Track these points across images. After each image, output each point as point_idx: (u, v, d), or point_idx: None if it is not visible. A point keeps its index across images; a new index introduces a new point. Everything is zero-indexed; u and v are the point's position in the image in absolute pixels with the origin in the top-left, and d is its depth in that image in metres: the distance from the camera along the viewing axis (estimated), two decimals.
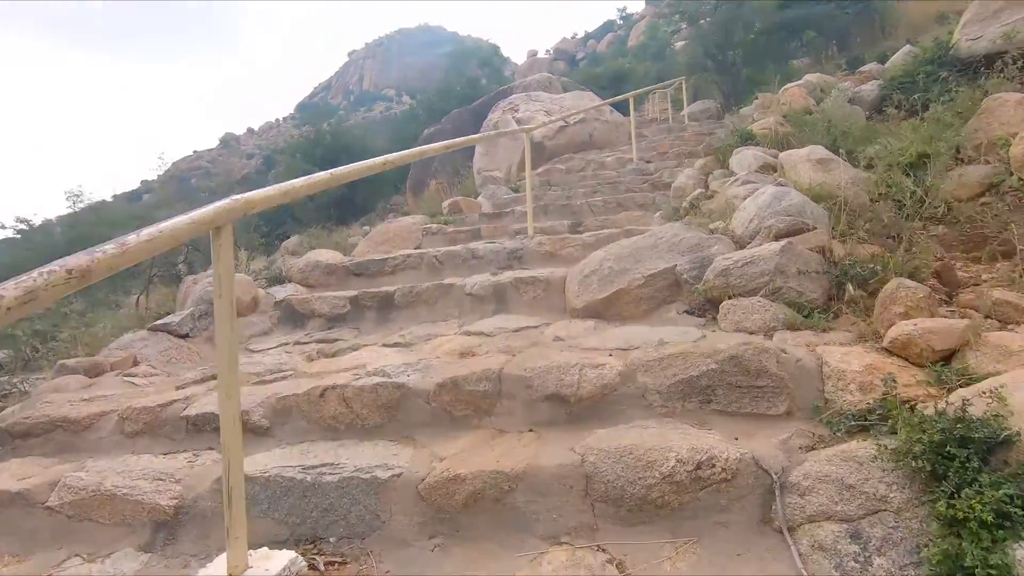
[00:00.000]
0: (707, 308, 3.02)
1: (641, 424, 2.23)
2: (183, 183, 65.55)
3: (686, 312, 3.10)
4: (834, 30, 13.86)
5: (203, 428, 2.70)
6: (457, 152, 15.66)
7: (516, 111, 10.58)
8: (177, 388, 3.25)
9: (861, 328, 2.46)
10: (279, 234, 18.62)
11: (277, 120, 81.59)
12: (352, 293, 4.43)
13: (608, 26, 54.29)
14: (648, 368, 2.36)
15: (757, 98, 12.83)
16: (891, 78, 6.70)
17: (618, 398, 2.34)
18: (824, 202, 3.47)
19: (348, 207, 22.51)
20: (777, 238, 3.07)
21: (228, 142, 76.28)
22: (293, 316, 4.58)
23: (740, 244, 3.37)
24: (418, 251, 5.28)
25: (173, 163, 73.19)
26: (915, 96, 6.20)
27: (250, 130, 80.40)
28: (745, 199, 3.69)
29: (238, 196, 1.80)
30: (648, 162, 8.10)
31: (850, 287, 2.68)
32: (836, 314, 2.68)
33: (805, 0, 14.16)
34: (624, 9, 52.34)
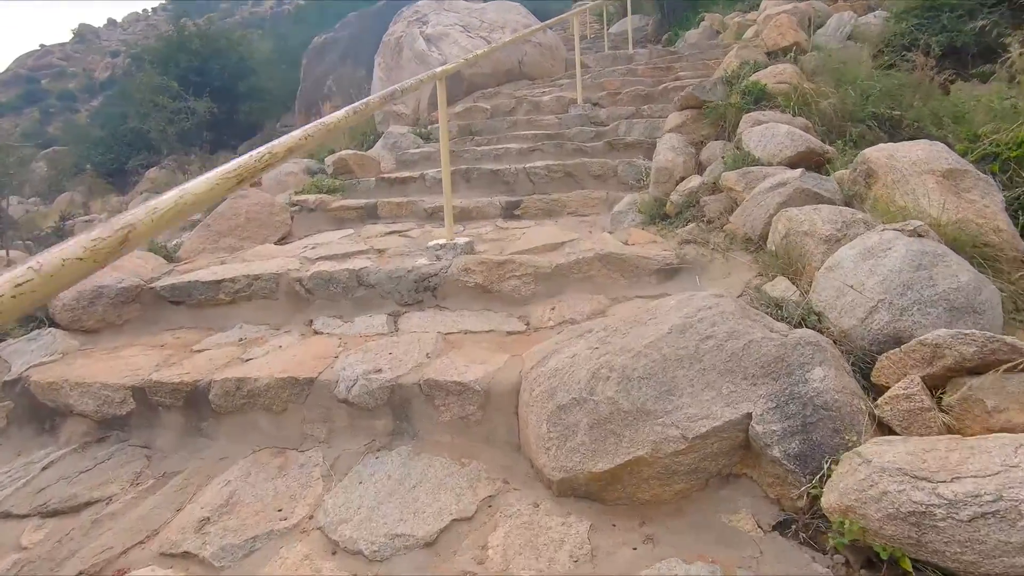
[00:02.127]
0: (821, 529, 1.45)
1: None
2: (30, 84, 54.53)
3: (775, 527, 1.51)
4: None
5: None
6: (354, 67, 12.82)
7: (425, 24, 8.12)
8: None
9: None
10: (139, 165, 15.05)
11: (145, 12, 69.02)
12: (139, 380, 2.45)
13: None
14: None
15: (703, 19, 11.08)
16: (904, 10, 5.15)
17: None
18: (976, 260, 1.92)
19: (226, 128, 18.74)
20: (953, 372, 1.50)
21: (85, 36, 63.86)
22: (35, 415, 2.56)
23: (852, 350, 1.77)
24: (274, 270, 3.27)
25: (16, 59, 60.35)
26: (939, 37, 4.72)
27: (112, 22, 67.62)
28: (831, 241, 2.06)
29: None
30: (596, 105, 6.23)
31: None
32: None
33: None
34: None
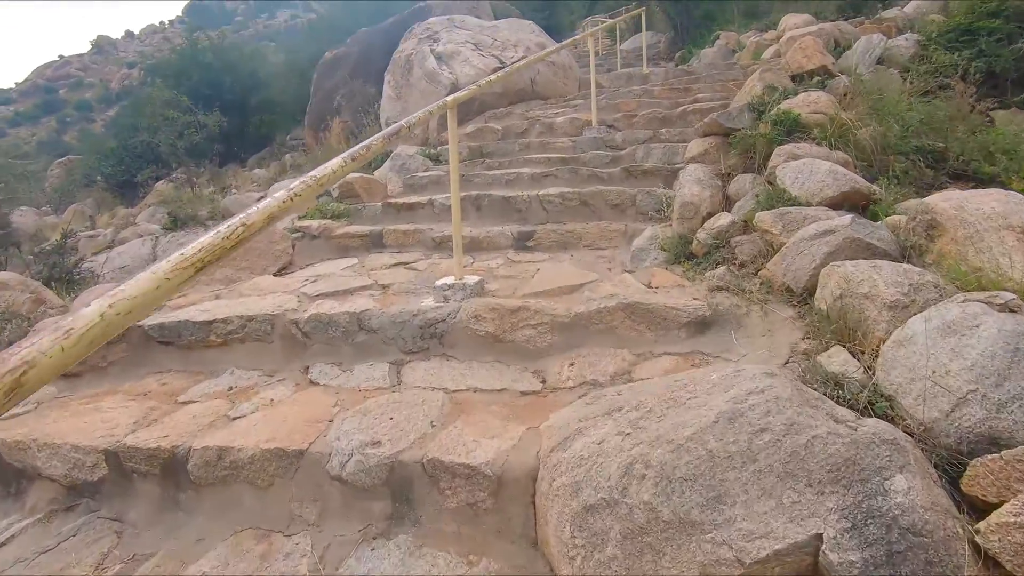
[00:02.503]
0: None
1: None
2: (48, 94, 55.26)
3: None
4: None
5: None
6: (364, 82, 12.69)
7: (436, 41, 7.94)
8: None
9: None
10: (149, 177, 14.97)
11: (162, 23, 70.14)
12: (113, 442, 2.20)
13: None
14: None
15: (719, 37, 10.87)
16: (936, 33, 4.88)
17: None
18: None
19: (237, 140, 18.69)
20: None
21: (103, 47, 64.88)
22: (1, 477, 2.32)
23: (934, 448, 1.49)
24: (270, 311, 3.03)
25: (35, 69, 61.21)
26: (977, 62, 4.44)
27: (129, 33, 68.78)
28: (897, 308, 1.78)
29: None
30: (612, 127, 5.99)
31: None
32: None
33: None
34: None
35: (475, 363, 2.63)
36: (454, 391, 2.40)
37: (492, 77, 3.96)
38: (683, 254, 3.22)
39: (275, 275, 4.03)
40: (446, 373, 2.57)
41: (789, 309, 2.38)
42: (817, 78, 5.06)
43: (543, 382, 2.42)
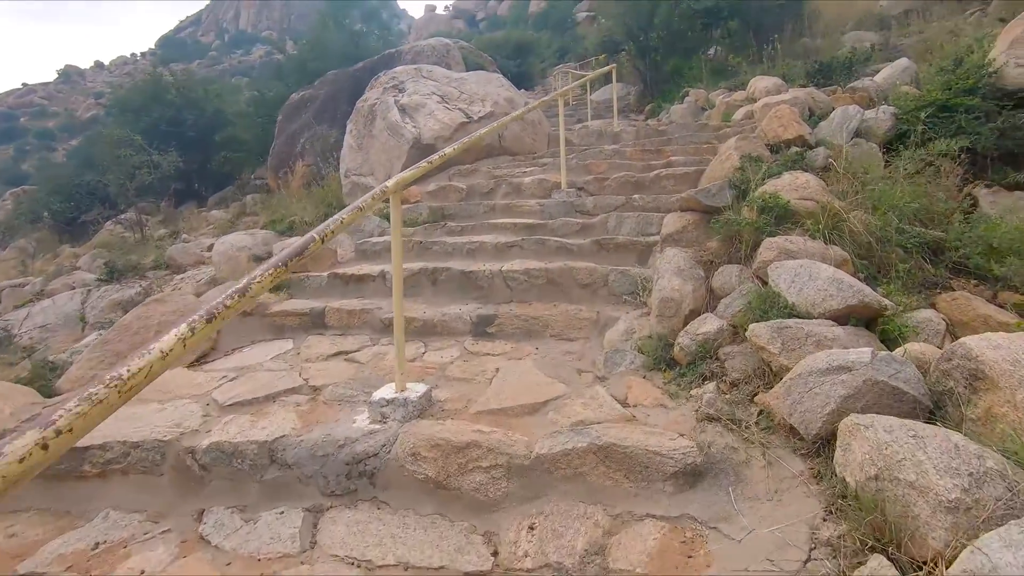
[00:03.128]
0: None
1: None
2: (8, 121, 53.36)
3: None
4: (760, 23, 12.10)
5: None
6: (329, 127, 12.26)
7: (401, 92, 7.57)
8: None
9: None
10: (99, 216, 14.09)
11: (134, 55, 69.20)
12: None
13: None
14: None
15: (688, 94, 10.85)
16: (914, 108, 4.70)
17: None
18: None
19: (201, 177, 17.97)
20: None
21: (71, 76, 63.48)
22: None
23: None
24: (162, 434, 2.44)
25: None
26: (957, 139, 4.23)
27: (99, 64, 67.54)
28: (958, 511, 1.33)
29: None
30: (582, 190, 5.63)
31: None
32: None
33: None
34: None
35: (411, 516, 2.08)
36: (379, 567, 1.85)
37: (449, 150, 3.54)
38: (664, 359, 2.77)
39: (190, 366, 3.42)
40: (373, 533, 2.01)
41: (798, 461, 1.92)
42: (795, 149, 4.81)
43: (494, 554, 1.88)
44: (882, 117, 4.85)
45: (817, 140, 4.93)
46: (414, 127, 6.58)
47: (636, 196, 5.11)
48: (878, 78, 5.76)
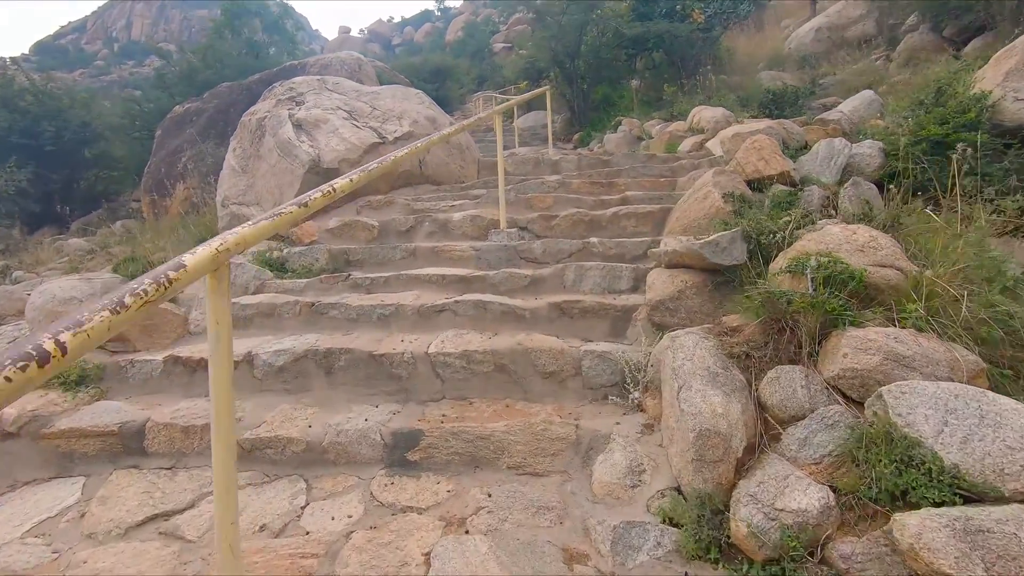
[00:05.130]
0: None
1: None
2: None
3: None
4: (683, 56, 11.81)
5: None
6: (217, 145, 10.38)
7: (299, 104, 6.10)
8: None
9: None
10: None
11: (4, 60, 60.80)
12: None
13: (427, 15, 49.94)
14: None
15: (620, 123, 10.17)
16: (909, 143, 4.00)
17: None
18: None
19: (67, 198, 15.08)
20: None
21: None
22: None
23: None
24: None
25: None
26: (965, 180, 3.51)
27: None
28: None
29: None
30: (525, 230, 4.46)
31: None
32: None
33: (655, 17, 11.82)
34: (442, 1, 48.73)
35: None
36: None
37: (355, 176, 2.26)
38: (715, 542, 1.60)
39: None
40: None
41: None
42: (779, 187, 3.96)
43: None
44: (869, 153, 4.13)
45: (801, 176, 4.12)
46: (311, 147, 5.15)
47: (594, 240, 4.02)
48: (845, 110, 5.18)
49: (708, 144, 6.21)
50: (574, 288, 3.58)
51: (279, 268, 4.15)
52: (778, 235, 2.56)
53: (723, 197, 3.77)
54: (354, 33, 52.72)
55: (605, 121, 10.69)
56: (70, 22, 71.00)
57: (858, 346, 1.77)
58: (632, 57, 12.34)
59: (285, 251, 4.31)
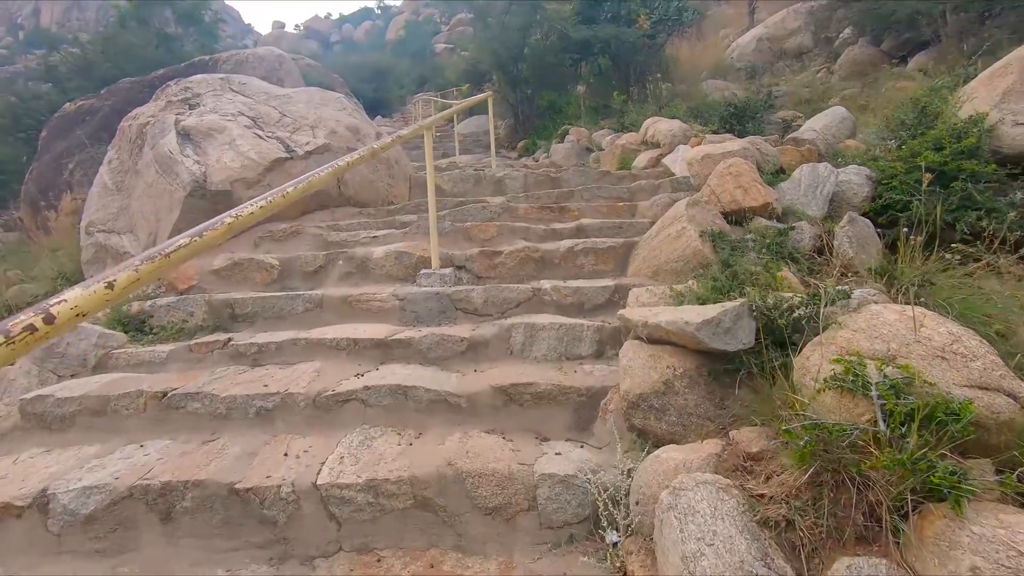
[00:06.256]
0: None
1: None
2: None
3: None
4: (628, 63, 11.30)
5: None
6: (102, 153, 8.93)
7: (192, 108, 4.99)
8: None
9: None
10: None
11: None
12: None
13: (366, 13, 48.05)
14: None
15: (568, 132, 9.48)
16: (904, 171, 3.46)
17: None
18: None
19: None
20: None
21: None
22: None
23: None
24: None
25: None
26: (968, 215, 2.99)
27: None
28: None
29: None
30: (462, 270, 3.63)
31: None
32: None
33: (600, 22, 11.24)
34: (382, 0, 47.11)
35: None
36: None
37: (255, 208, 1.37)
38: None
39: None
40: None
41: None
42: (762, 221, 3.32)
43: None
44: (856, 181, 3.56)
45: (784, 207, 3.50)
46: (197, 162, 4.09)
47: (546, 284, 3.24)
48: (816, 127, 4.66)
49: (665, 160, 5.58)
50: (523, 355, 2.79)
51: (138, 328, 3.12)
52: (801, 313, 1.85)
53: (700, 236, 3.09)
54: (289, 29, 49.98)
55: (551, 128, 9.99)
56: None
57: (995, 557, 1.06)
58: (577, 62, 11.72)
59: (149, 303, 3.27)
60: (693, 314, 2.01)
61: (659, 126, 6.20)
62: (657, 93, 8.73)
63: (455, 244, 3.92)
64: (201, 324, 3.13)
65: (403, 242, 3.90)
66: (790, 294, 1.99)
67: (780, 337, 1.94)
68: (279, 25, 50.85)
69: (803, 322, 1.86)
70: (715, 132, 5.57)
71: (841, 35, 12.05)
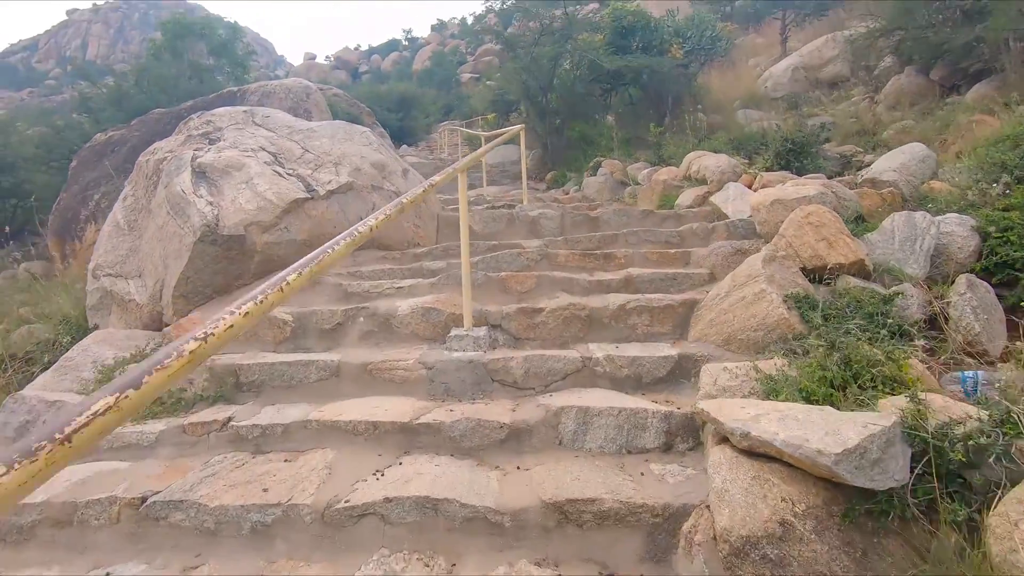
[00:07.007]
0: None
1: None
2: None
3: None
4: (660, 93, 10.93)
5: None
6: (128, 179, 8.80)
7: (211, 143, 4.71)
8: None
9: None
10: None
11: None
12: None
13: (393, 44, 49.09)
14: None
15: (600, 164, 9.10)
16: (1013, 225, 2.91)
17: None
18: None
19: None
20: None
21: None
22: None
23: None
24: None
25: None
26: None
27: None
28: None
29: None
30: (498, 329, 3.16)
31: None
32: None
33: (632, 52, 10.91)
34: (410, 31, 48.22)
35: None
36: None
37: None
38: None
39: None
40: None
41: None
42: (851, 280, 2.79)
43: None
44: (960, 232, 3.02)
45: (874, 263, 2.97)
46: (210, 203, 3.75)
47: (598, 354, 2.75)
48: (892, 167, 4.13)
49: (714, 199, 5.09)
50: (575, 446, 2.29)
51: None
52: (982, 443, 1.33)
53: (784, 300, 2.57)
54: (320, 60, 51.33)
55: (581, 160, 9.60)
56: (20, 40, 67.52)
57: None
58: (607, 92, 11.40)
59: (153, 350, 2.87)
60: (820, 433, 1.51)
61: (704, 161, 5.73)
62: (696, 125, 8.28)
63: (489, 297, 3.47)
64: (201, 394, 2.71)
65: (431, 295, 3.45)
66: (959, 410, 1.47)
67: (943, 469, 1.41)
68: (310, 56, 52.30)
69: (987, 456, 1.33)
70: (768, 169, 5.07)
71: (882, 64, 11.51)
